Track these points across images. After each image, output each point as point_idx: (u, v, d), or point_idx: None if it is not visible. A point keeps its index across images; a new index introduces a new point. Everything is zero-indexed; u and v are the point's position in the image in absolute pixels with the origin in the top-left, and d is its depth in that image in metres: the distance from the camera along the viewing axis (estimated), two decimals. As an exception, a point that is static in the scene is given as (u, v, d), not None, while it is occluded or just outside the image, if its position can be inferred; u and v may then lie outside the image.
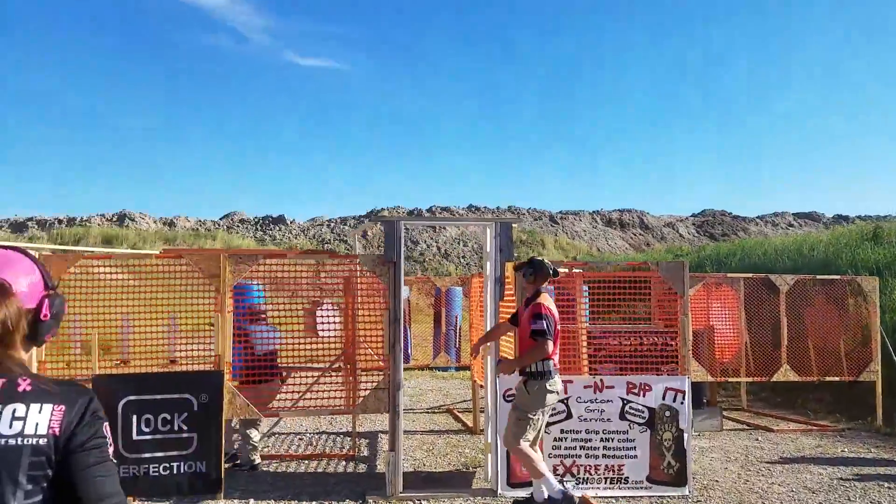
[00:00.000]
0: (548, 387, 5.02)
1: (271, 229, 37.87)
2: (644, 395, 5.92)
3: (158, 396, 5.29)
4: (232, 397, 5.47)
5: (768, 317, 9.17)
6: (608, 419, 5.86)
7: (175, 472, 5.28)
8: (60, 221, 36.54)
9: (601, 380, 5.95)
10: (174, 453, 5.29)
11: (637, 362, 6.24)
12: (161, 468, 5.25)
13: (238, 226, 38.70)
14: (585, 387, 5.91)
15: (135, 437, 5.22)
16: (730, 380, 9.05)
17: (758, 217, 46.00)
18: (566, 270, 6.84)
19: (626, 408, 5.89)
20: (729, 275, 9.64)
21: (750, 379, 9.06)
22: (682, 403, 5.91)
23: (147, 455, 5.22)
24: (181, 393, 5.33)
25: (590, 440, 5.85)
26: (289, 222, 38.61)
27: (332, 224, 39.38)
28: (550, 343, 4.96)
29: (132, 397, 5.24)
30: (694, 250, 22.64)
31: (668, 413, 5.88)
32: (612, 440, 5.85)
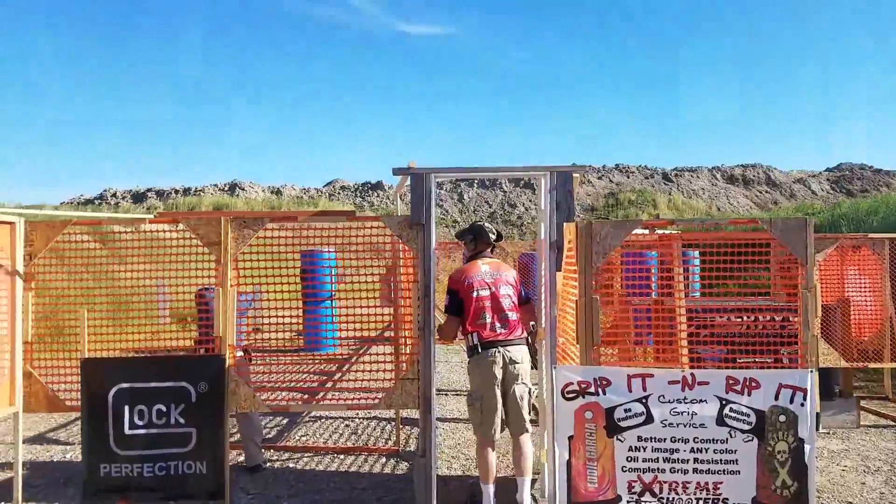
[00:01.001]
0: (477, 362, 4.60)
1: (369, 195, 37.74)
2: (750, 394, 4.55)
3: (153, 384, 4.56)
4: (235, 387, 4.64)
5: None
6: (701, 424, 4.56)
7: (171, 472, 4.55)
8: (177, 192, 38.12)
9: (692, 374, 4.63)
10: (170, 451, 4.56)
11: (750, 347, 4.90)
12: (156, 468, 4.54)
13: (339, 192, 38.87)
14: (670, 382, 4.62)
15: (127, 430, 4.52)
16: (870, 365, 7.32)
17: (904, 170, 40.74)
18: (645, 232, 5.48)
19: (726, 410, 4.55)
20: (870, 235, 7.80)
21: (894, 364, 7.30)
22: (802, 405, 4.50)
23: (140, 452, 4.52)
24: (177, 381, 4.57)
25: (676, 451, 4.57)
26: (386, 188, 38.30)
27: (437, 188, 38.80)
28: (449, 319, 4.73)
29: (124, 385, 4.54)
30: (828, 208, 19.91)
31: (782, 418, 4.49)
32: (707, 451, 4.55)
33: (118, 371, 4.54)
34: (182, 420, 4.56)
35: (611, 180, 41.94)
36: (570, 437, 4.63)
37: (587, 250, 4.76)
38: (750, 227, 5.65)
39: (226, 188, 38.32)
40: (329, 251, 7.78)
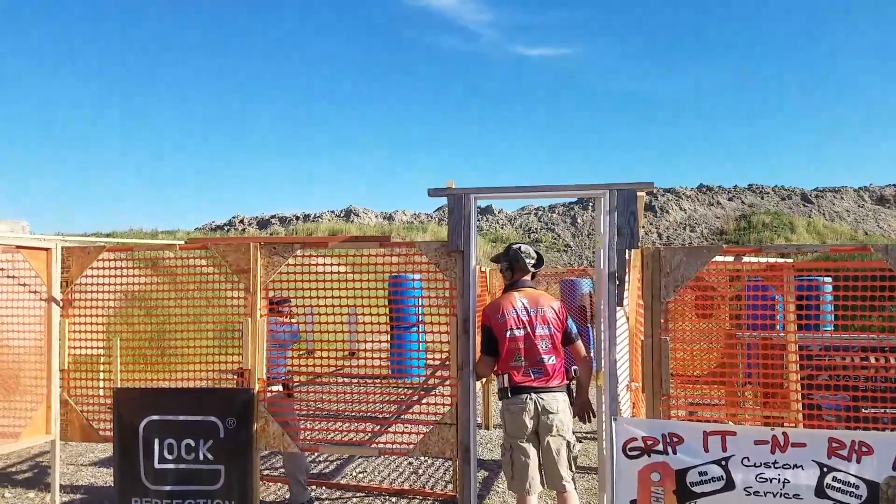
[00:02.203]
0: (507, 408, 4.06)
1: (479, 220, 37.51)
2: (859, 461, 3.68)
3: (182, 418, 4.38)
4: (265, 423, 4.36)
5: None
6: (796, 495, 3.74)
7: (199, 511, 4.32)
8: (297, 218, 39.78)
9: (784, 433, 3.82)
10: (199, 488, 4.35)
11: (880, 395, 4.03)
12: (184, 505, 4.33)
13: (443, 214, 39.08)
14: (757, 442, 3.83)
15: (157, 464, 4.35)
16: None
17: None
18: (740, 259, 4.69)
19: (828, 479, 3.71)
20: None
21: None
22: (932, 480, 3.57)
23: (169, 488, 4.34)
24: (206, 415, 4.36)
25: (763, 525, 3.77)
26: (496, 212, 37.94)
27: (540, 212, 37.98)
28: (483, 358, 4.18)
29: (155, 417, 4.38)
30: None
31: (902, 494, 3.59)
32: (802, 528, 3.72)
33: (149, 402, 4.40)
34: (210, 456, 4.33)
35: (742, 201, 39.31)
36: (633, 502, 3.95)
37: (655, 282, 4.09)
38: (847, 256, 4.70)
39: (342, 214, 39.51)
40: (415, 278, 7.54)
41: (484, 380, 7.95)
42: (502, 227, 35.99)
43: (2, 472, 6.23)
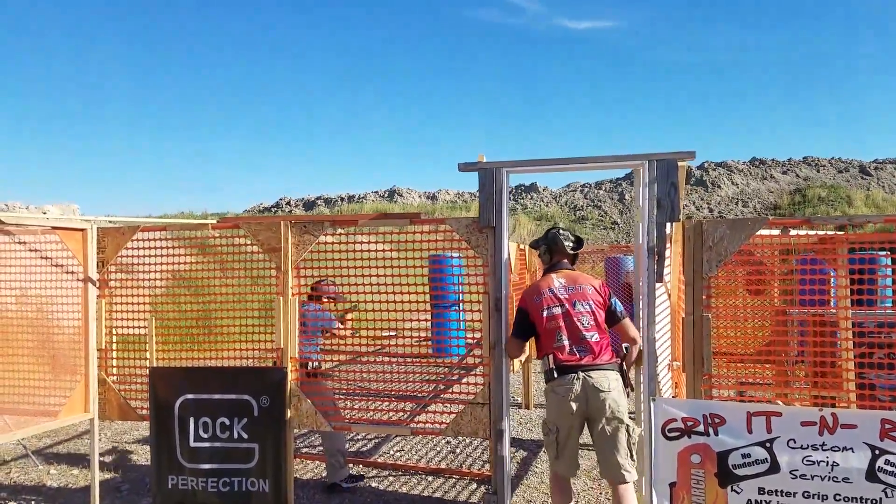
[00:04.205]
0: (552, 389, 3.87)
1: (523, 197, 37.14)
2: (915, 445, 3.46)
3: (216, 396, 4.41)
4: (297, 402, 4.36)
5: None
6: (845, 479, 3.54)
7: (235, 489, 4.37)
8: (342, 199, 40.06)
9: (833, 414, 3.61)
10: (234, 466, 4.38)
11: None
12: (220, 483, 4.38)
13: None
14: (804, 423, 3.64)
15: (192, 443, 4.40)
16: None
17: None
18: (776, 232, 4.45)
19: (880, 462, 3.51)
20: None
21: None
22: None
23: (205, 466, 4.38)
24: (240, 394, 4.38)
25: (810, 510, 3.59)
26: (541, 189, 37.48)
27: (587, 189, 37.38)
28: (511, 339, 4.09)
29: (190, 396, 4.43)
30: None
31: (962, 480, 3.37)
32: (853, 514, 3.53)
33: (184, 381, 4.43)
34: (245, 435, 4.35)
35: (797, 175, 37.99)
36: (672, 485, 3.82)
37: (696, 257, 3.91)
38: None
39: (385, 195, 39.60)
40: (454, 255, 7.47)
41: (523, 358, 7.87)
42: (547, 205, 35.55)
43: (48, 450, 6.43)
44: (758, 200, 35.08)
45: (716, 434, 3.75)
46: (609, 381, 3.77)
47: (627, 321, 3.95)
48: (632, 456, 3.80)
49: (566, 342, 3.83)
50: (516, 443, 6.63)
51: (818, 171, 37.96)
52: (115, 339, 4.62)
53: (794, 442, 3.64)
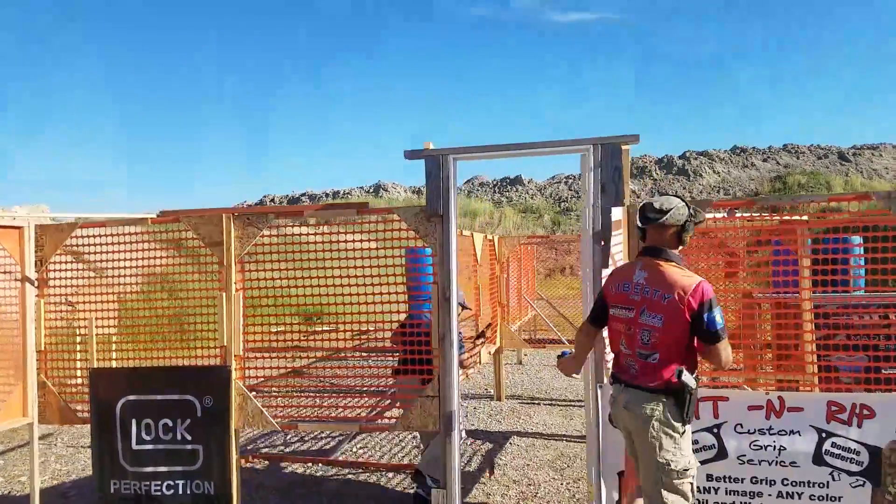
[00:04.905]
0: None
1: (508, 190, 37.12)
2: (860, 425, 3.42)
3: (159, 397, 4.29)
4: (243, 401, 4.25)
5: None
6: (792, 463, 3.49)
7: (179, 492, 4.25)
8: (327, 195, 39.86)
9: (780, 397, 3.56)
10: (178, 469, 4.25)
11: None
12: (164, 486, 4.26)
13: (478, 189, 38.67)
14: (751, 408, 3.59)
15: (134, 445, 4.28)
16: None
17: None
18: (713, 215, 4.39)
19: (827, 445, 3.46)
20: None
21: None
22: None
23: (149, 469, 4.26)
24: (182, 393, 4.26)
25: (758, 495, 3.55)
26: (526, 182, 37.47)
27: (571, 181, 37.41)
28: (584, 324, 3.58)
29: (132, 397, 4.30)
30: None
31: (907, 460, 3.32)
32: (800, 497, 3.48)
33: (125, 381, 4.32)
34: (188, 436, 4.24)
35: (778, 162, 38.21)
36: (621, 474, 3.75)
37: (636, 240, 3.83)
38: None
39: (370, 189, 39.43)
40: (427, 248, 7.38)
41: (492, 350, 7.78)
42: (532, 198, 35.54)
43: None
44: (739, 188, 35.22)
45: (663, 421, 3.68)
46: (648, 408, 3.03)
47: (719, 345, 2.96)
48: (686, 496, 3.03)
49: (624, 349, 3.19)
50: (484, 434, 6.58)
51: (798, 158, 38.18)
52: (56, 339, 4.49)
53: (742, 427, 3.58)
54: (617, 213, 3.99)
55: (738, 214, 4.14)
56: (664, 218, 3.10)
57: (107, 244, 4.42)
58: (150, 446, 4.26)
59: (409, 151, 4.16)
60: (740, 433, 3.58)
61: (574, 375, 3.69)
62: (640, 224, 3.21)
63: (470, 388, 8.82)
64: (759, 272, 4.88)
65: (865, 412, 3.41)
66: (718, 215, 4.04)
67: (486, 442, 6.31)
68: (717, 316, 2.95)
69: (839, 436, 3.43)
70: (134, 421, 4.26)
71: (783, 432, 3.51)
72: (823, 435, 3.46)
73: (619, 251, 4.22)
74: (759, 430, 3.55)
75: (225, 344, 4.24)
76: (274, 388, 4.86)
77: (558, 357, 3.68)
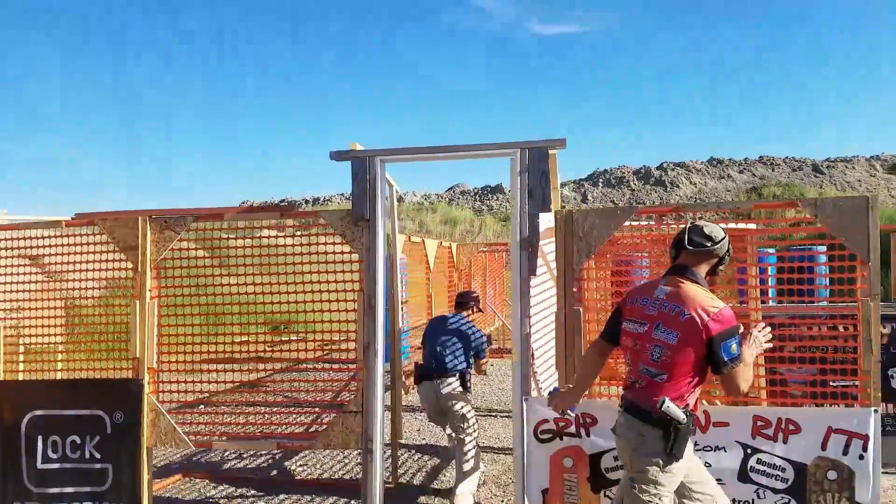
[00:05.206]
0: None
1: (489, 198, 37.15)
2: (786, 441, 3.30)
3: (67, 412, 4.07)
4: (155, 417, 4.04)
5: None
6: (718, 480, 3.33)
7: (87, 513, 4.02)
8: (307, 201, 39.47)
9: (706, 412, 3.42)
10: (85, 489, 4.04)
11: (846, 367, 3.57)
12: (71, 508, 4.03)
13: (459, 197, 38.64)
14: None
15: (40, 465, 4.06)
16: None
17: None
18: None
19: (752, 461, 3.33)
20: None
21: None
22: (861, 458, 3.18)
23: (54, 490, 4.04)
24: (92, 408, 4.05)
25: (684, 513, 3.39)
26: (506, 191, 37.51)
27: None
28: (595, 340, 3.26)
29: (39, 412, 4.08)
30: None
31: (831, 474, 3.21)
32: (726, 517, 3.33)
33: (32, 395, 4.10)
34: (97, 454, 4.02)
35: (753, 174, 38.58)
36: (545, 492, 3.60)
37: (567, 248, 3.70)
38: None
39: (349, 197, 39.15)
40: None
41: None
42: (511, 206, 35.65)
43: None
44: (715, 199, 35.42)
45: (588, 435, 3.55)
46: (635, 434, 2.82)
47: (731, 374, 2.76)
48: None
49: (631, 365, 2.98)
50: (431, 448, 6.38)
51: (773, 170, 38.57)
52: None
53: (671, 443, 3.43)
54: (547, 220, 3.86)
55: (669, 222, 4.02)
56: (713, 247, 2.91)
57: (17, 248, 4.22)
58: (56, 465, 4.04)
59: (336, 152, 4.01)
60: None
61: (569, 413, 3.22)
62: (685, 245, 2.93)
63: (417, 401, 8.58)
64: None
65: (791, 427, 3.28)
66: (643, 223, 3.93)
67: (433, 457, 6.11)
68: (734, 345, 2.74)
69: (764, 452, 3.30)
70: (40, 438, 4.04)
71: (709, 448, 3.37)
72: (749, 451, 3.32)
73: (552, 259, 4.09)
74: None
75: (137, 356, 4.04)
76: (201, 405, 4.66)
77: (549, 394, 3.28)
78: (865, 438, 3.17)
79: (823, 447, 3.20)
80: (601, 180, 38.51)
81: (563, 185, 38.82)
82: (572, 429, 3.55)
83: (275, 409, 4.53)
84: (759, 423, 3.32)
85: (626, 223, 3.72)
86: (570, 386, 3.27)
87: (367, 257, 3.92)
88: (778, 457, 3.27)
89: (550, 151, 3.76)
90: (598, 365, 3.20)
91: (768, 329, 2.95)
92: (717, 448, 3.37)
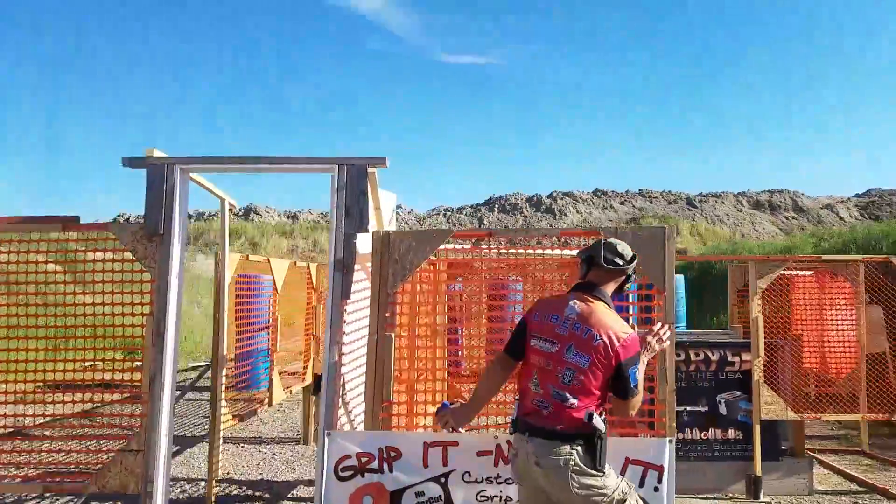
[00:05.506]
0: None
1: (435, 219, 37.36)
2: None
3: None
4: None
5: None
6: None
7: None
8: (191, 216, 37.69)
9: (509, 441, 3.30)
10: None
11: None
12: None
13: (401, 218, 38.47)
14: (480, 454, 3.32)
15: None
16: (825, 417, 5.84)
17: (940, 195, 38.00)
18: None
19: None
20: (839, 257, 6.36)
21: (855, 416, 5.88)
22: (656, 490, 3.16)
23: None
24: None
25: (484, 550, 3.25)
26: (406, 212, 37.60)
27: (449, 213, 37.95)
28: (499, 354, 3.09)
29: None
30: (836, 234, 18.11)
31: (627, 509, 3.15)
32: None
33: None
34: None
35: (633, 205, 40.55)
36: (346, 529, 3.35)
37: (383, 271, 3.52)
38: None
39: (240, 213, 37.74)
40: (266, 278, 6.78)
41: (307, 383, 7.19)
42: (454, 226, 35.69)
43: None
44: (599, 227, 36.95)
45: (391, 470, 3.34)
46: (558, 460, 2.67)
47: (634, 401, 2.78)
48: None
49: (535, 388, 2.81)
50: (265, 485, 5.98)
51: (651, 203, 40.73)
52: None
53: (469, 475, 3.30)
54: (365, 241, 3.66)
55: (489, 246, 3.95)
56: (626, 266, 2.90)
57: None
58: None
59: (129, 159, 3.65)
60: (468, 482, 3.29)
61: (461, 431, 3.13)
62: (600, 263, 2.87)
63: (270, 431, 8.15)
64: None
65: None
66: (459, 246, 3.83)
67: (265, 492, 5.72)
68: (639, 371, 2.77)
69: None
70: None
71: (510, 480, 3.25)
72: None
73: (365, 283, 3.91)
74: (486, 479, 3.28)
75: None
76: None
77: (437, 411, 3.00)
78: (661, 469, 3.15)
79: (623, 473, 3.15)
80: (496, 206, 39.36)
81: (460, 209, 39.47)
82: (375, 463, 3.34)
83: (49, 448, 4.02)
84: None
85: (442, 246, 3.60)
86: (462, 402, 3.09)
87: (160, 278, 3.57)
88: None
89: (370, 169, 3.59)
90: (500, 380, 3.07)
91: (666, 327, 2.98)
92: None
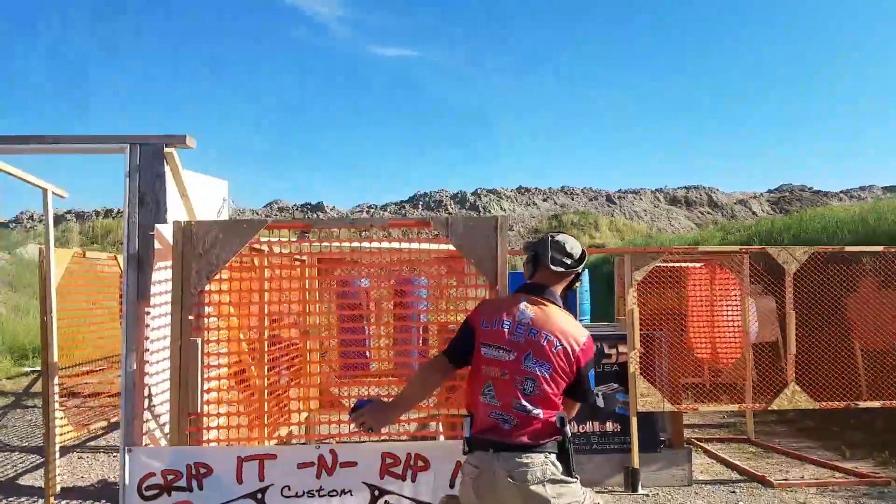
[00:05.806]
0: (462, 469, 2.63)
1: (310, 217, 36.34)
2: (415, 479, 2.94)
3: None
4: None
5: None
6: (341, 530, 2.91)
7: None
8: (98, 213, 35.95)
9: (333, 451, 2.98)
10: None
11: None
12: None
13: (277, 213, 37.39)
14: (301, 465, 2.98)
15: None
16: (702, 408, 5.76)
17: (842, 192, 39.98)
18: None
19: (380, 505, 2.92)
20: (724, 249, 6.35)
21: (732, 406, 5.90)
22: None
23: None
24: None
25: (303, 573, 2.91)
26: (328, 209, 36.86)
27: (373, 210, 37.45)
28: (437, 356, 2.81)
29: None
30: (743, 228, 18.75)
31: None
32: (350, 573, 2.90)
33: None
34: None
35: (556, 202, 41.04)
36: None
37: (186, 267, 3.12)
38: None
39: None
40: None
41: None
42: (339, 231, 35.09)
43: None
44: (522, 225, 37.14)
45: (200, 488, 2.96)
46: (536, 470, 2.43)
47: (578, 402, 2.70)
48: None
49: (493, 401, 2.52)
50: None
51: (573, 199, 41.32)
52: None
53: (289, 489, 2.95)
54: (164, 233, 3.25)
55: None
56: (576, 266, 2.68)
57: None
58: None
59: (415, 199, 3.20)
60: (287, 497, 2.95)
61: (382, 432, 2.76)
62: (548, 265, 2.62)
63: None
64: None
65: (420, 464, 2.93)
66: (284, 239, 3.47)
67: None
68: (592, 374, 2.67)
69: (392, 493, 2.92)
70: None
71: (334, 493, 2.93)
72: (376, 493, 2.93)
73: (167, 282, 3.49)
74: (308, 493, 2.94)
75: None
76: None
77: (353, 409, 2.59)
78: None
79: (452, 485, 2.88)
80: (421, 202, 39.03)
81: (384, 206, 38.98)
82: (183, 481, 2.96)
83: None
84: (389, 461, 2.94)
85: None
86: (387, 399, 2.75)
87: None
88: (406, 497, 2.91)
89: (168, 149, 3.18)
90: (434, 384, 2.81)
91: None
92: (343, 492, 2.93)
